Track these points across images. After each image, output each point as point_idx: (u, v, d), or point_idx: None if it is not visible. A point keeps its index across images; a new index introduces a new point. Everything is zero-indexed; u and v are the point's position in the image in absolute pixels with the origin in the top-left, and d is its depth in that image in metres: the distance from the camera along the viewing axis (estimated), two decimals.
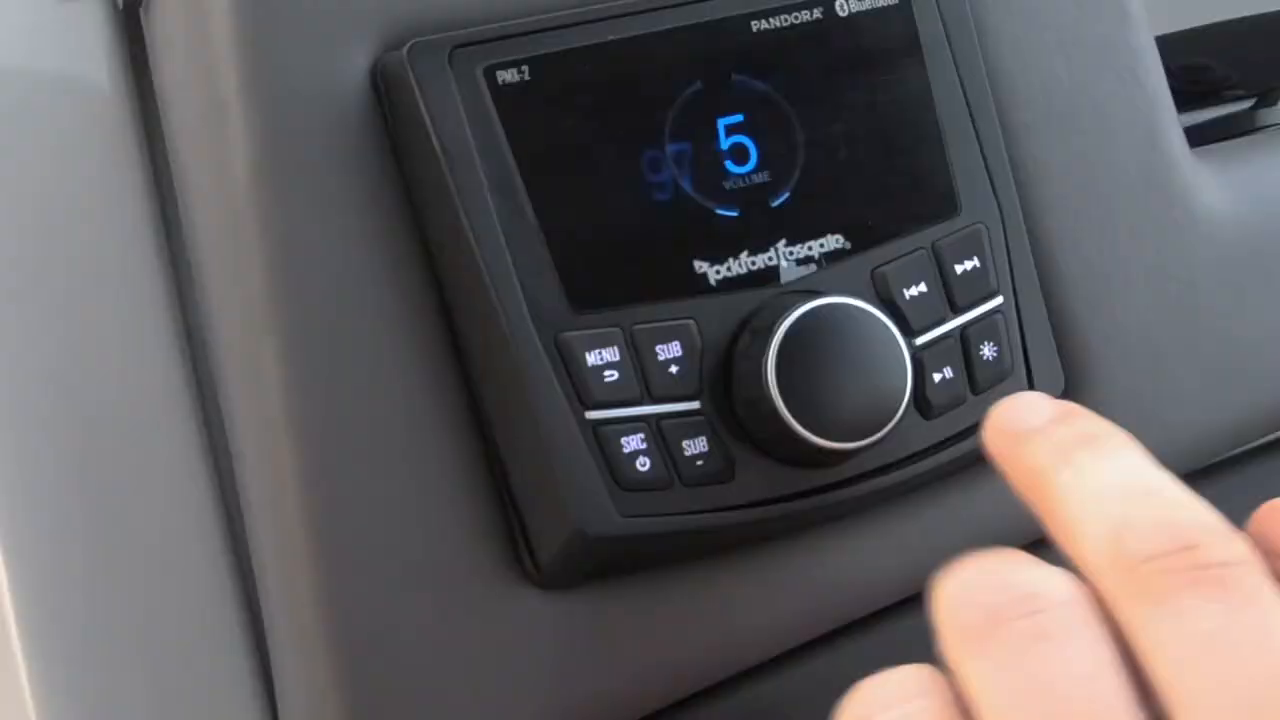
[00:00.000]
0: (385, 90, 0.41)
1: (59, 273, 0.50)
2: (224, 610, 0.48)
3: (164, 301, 0.50)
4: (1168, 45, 0.70)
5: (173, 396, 0.49)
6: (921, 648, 0.46)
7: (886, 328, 0.41)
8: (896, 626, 0.49)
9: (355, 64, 0.41)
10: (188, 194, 0.47)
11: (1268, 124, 0.58)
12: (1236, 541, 0.31)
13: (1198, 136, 0.59)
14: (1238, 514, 0.44)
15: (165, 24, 0.48)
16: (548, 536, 0.42)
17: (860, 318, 0.41)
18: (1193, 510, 0.32)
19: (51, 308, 0.49)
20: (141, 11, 0.51)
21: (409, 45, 0.39)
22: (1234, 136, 0.58)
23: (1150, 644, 0.30)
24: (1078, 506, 0.33)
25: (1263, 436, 0.53)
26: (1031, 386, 0.44)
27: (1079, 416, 0.36)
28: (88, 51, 0.54)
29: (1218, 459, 0.51)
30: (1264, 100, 0.60)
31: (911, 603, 0.48)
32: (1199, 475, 0.49)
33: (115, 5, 0.54)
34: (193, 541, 0.49)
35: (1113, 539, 0.31)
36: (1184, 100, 0.71)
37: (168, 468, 0.49)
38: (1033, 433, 0.35)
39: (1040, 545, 0.38)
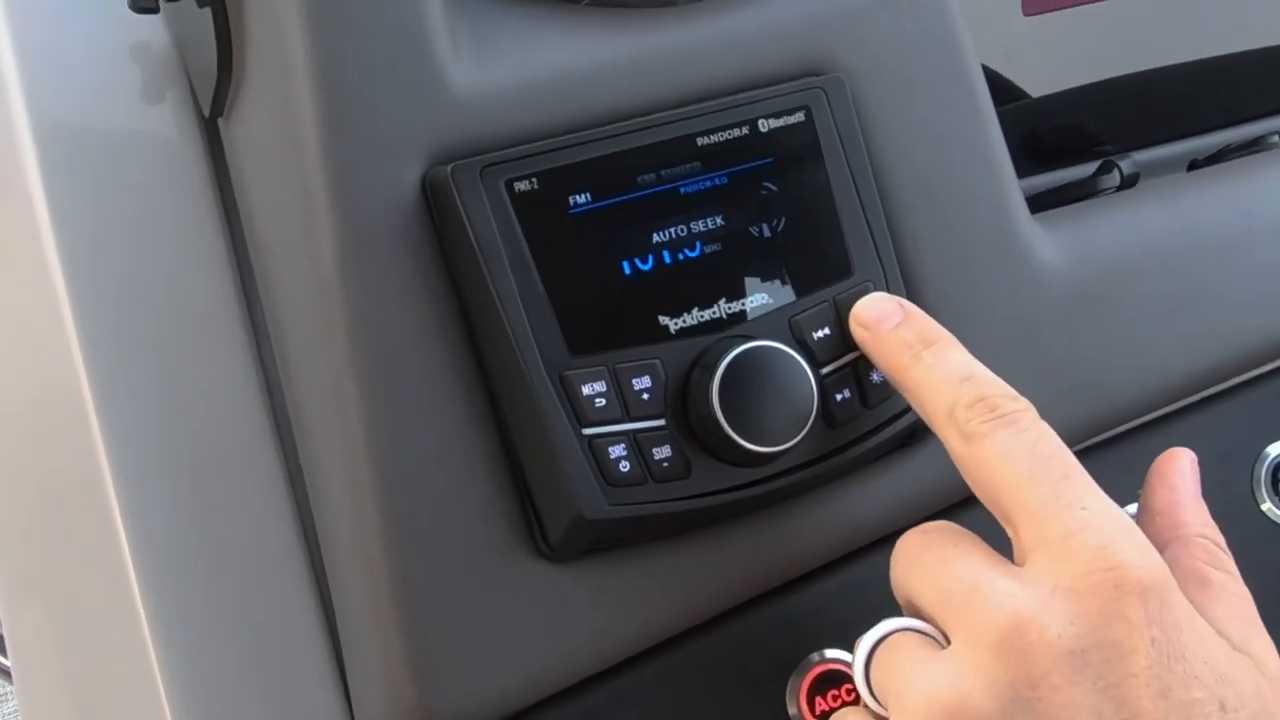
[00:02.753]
0: (433, 197, 0.52)
1: (163, 334, 0.61)
2: (302, 589, 0.60)
3: (248, 355, 0.62)
4: (1049, 105, 0.79)
5: (257, 433, 0.61)
6: (838, 604, 0.58)
7: (799, 362, 0.52)
8: (820, 584, 0.58)
9: (410, 176, 0.52)
10: (271, 272, 0.57)
11: (1102, 189, 0.67)
12: (1020, 400, 0.49)
13: (1050, 198, 0.68)
14: None
15: (247, 134, 0.58)
16: (556, 521, 0.52)
17: (780, 356, 0.52)
18: (993, 385, 0.49)
19: (161, 367, 0.60)
20: (221, 121, 0.61)
21: (451, 166, 0.51)
22: (1078, 199, 0.67)
23: (974, 465, 0.47)
24: (929, 391, 0.50)
25: (1092, 438, 0.62)
26: (908, 405, 0.54)
27: (917, 318, 0.52)
28: (175, 151, 0.64)
29: None
30: (1102, 169, 0.68)
31: (830, 566, 0.58)
32: None
33: (201, 114, 0.64)
34: (276, 537, 0.60)
35: (949, 409, 0.49)
36: (1059, 155, 0.81)
37: (254, 486, 0.60)
38: (887, 333, 0.52)
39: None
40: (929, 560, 0.48)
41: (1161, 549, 0.51)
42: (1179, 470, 0.53)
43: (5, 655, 0.68)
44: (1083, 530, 0.46)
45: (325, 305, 0.53)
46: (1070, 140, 0.81)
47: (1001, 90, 0.77)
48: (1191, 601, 0.47)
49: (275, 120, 0.55)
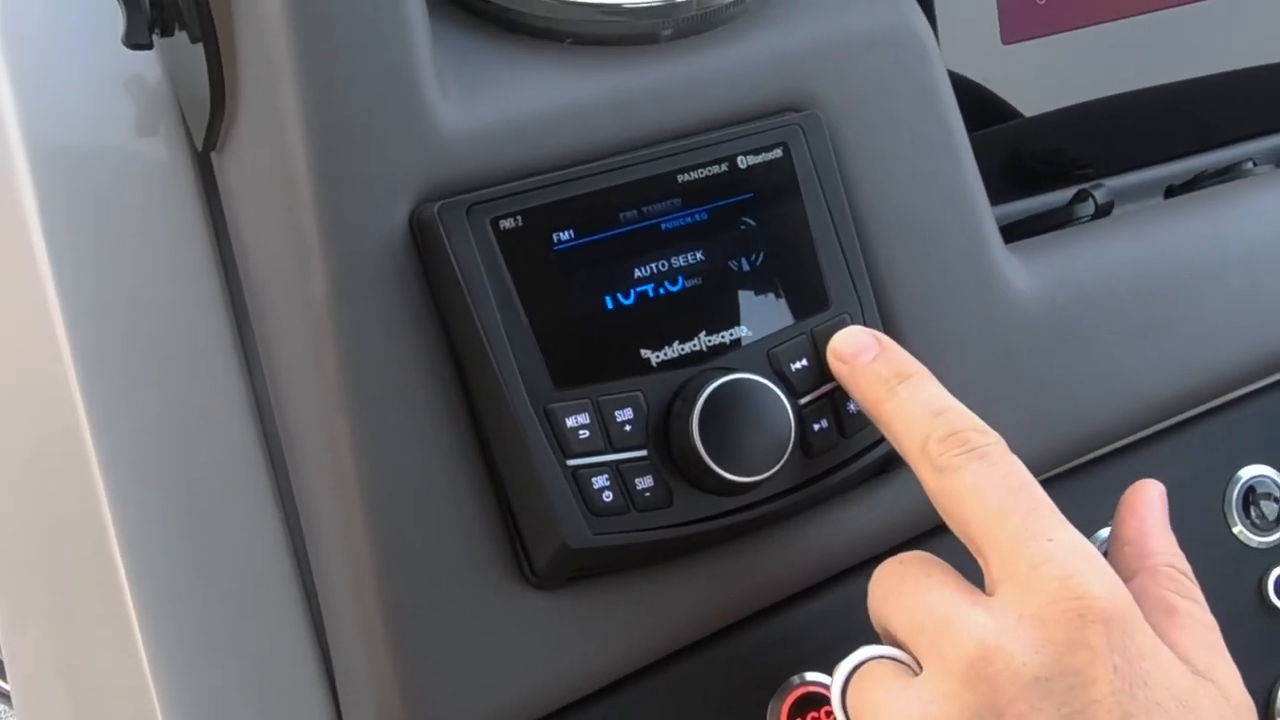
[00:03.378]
0: (420, 235, 0.53)
1: (158, 361, 0.62)
2: (294, 613, 0.61)
3: (241, 382, 0.63)
4: (1030, 128, 0.79)
5: (250, 458, 0.62)
6: (818, 628, 0.60)
7: (777, 394, 0.53)
8: (800, 609, 0.59)
9: (399, 213, 0.53)
10: (263, 303, 0.58)
11: (1077, 217, 0.69)
12: (990, 434, 0.50)
13: (1026, 227, 0.69)
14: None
15: (239, 169, 0.59)
16: (541, 549, 0.53)
17: (758, 388, 0.53)
18: (964, 419, 0.51)
19: (155, 394, 0.61)
20: (214, 155, 0.62)
21: (438, 205, 0.52)
22: (1054, 227, 0.68)
23: (946, 498, 0.49)
24: (903, 425, 0.52)
25: (1066, 464, 0.64)
26: None
27: (892, 352, 0.54)
28: (168, 183, 0.65)
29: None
30: (1078, 198, 0.70)
31: (809, 591, 0.59)
32: None
33: (194, 147, 0.65)
34: (269, 561, 0.61)
35: (922, 442, 0.50)
36: (1041, 179, 0.82)
37: (248, 510, 0.61)
38: (863, 366, 0.54)
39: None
40: (904, 590, 0.50)
41: (1130, 578, 0.52)
42: (1148, 501, 0.55)
43: (5, 679, 0.69)
44: (1048, 562, 0.47)
45: (316, 339, 0.54)
46: (1052, 164, 0.81)
47: (995, 110, 0.78)
48: (1157, 629, 0.49)
49: (267, 157, 0.56)
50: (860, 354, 0.54)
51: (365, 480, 0.54)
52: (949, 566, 0.50)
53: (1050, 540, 0.48)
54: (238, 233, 0.61)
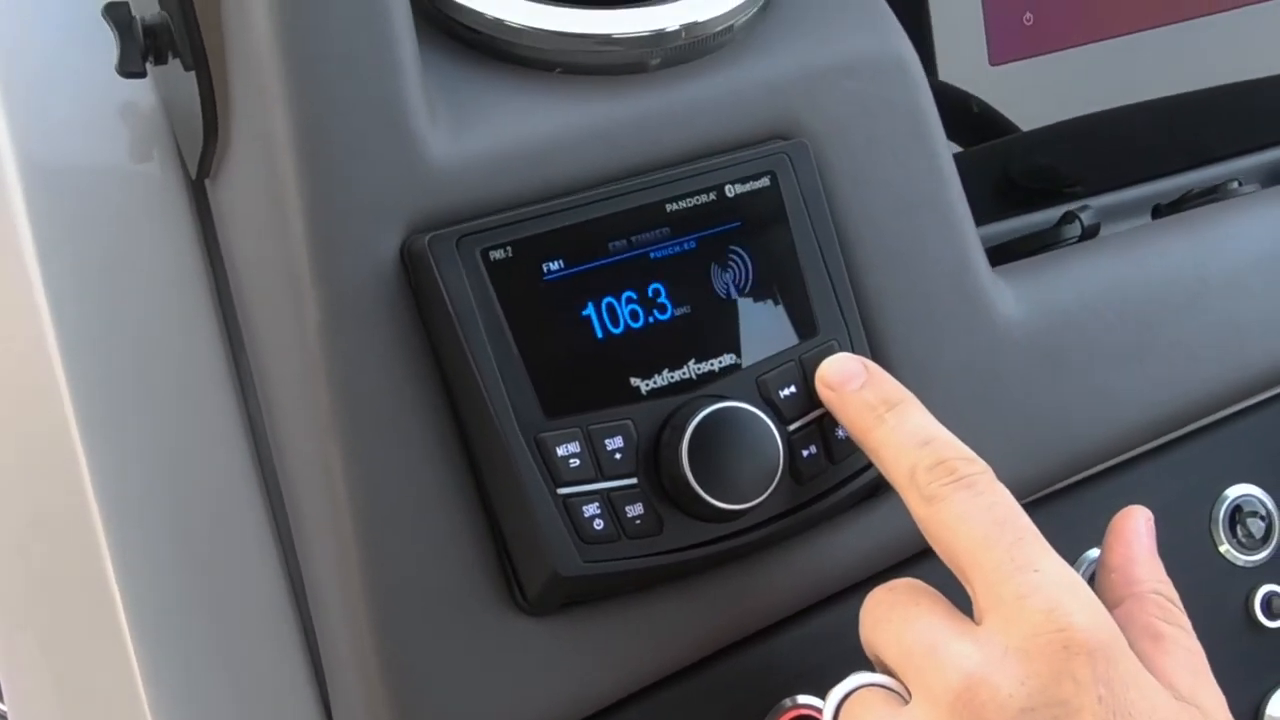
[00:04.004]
0: (411, 265, 0.54)
1: (153, 387, 0.63)
2: (289, 638, 0.62)
3: (235, 409, 0.63)
4: (1019, 145, 0.80)
5: (244, 484, 0.62)
6: (807, 651, 0.60)
7: (765, 421, 0.54)
8: (791, 633, 0.60)
9: (390, 244, 0.54)
10: (256, 331, 0.59)
11: (1064, 239, 0.69)
12: (977, 462, 0.51)
13: (1013, 249, 0.70)
14: None
15: (232, 198, 0.60)
16: (533, 577, 0.54)
17: (747, 416, 0.54)
18: (952, 448, 0.51)
19: (150, 420, 0.62)
20: (207, 182, 0.63)
21: (429, 237, 0.53)
22: (1041, 249, 0.69)
23: (933, 527, 0.49)
24: (891, 453, 0.52)
25: (1054, 485, 0.64)
26: None
27: (880, 380, 0.54)
28: (162, 210, 0.66)
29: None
30: (1064, 220, 0.70)
31: (800, 615, 0.60)
32: None
33: (188, 174, 0.66)
34: (263, 587, 0.62)
35: (910, 471, 0.51)
36: (1030, 197, 0.83)
37: (242, 537, 0.62)
38: (851, 394, 0.54)
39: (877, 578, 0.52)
40: (893, 618, 0.50)
41: (1117, 604, 0.53)
42: (1134, 529, 0.56)
43: (2, 701, 0.70)
44: (1033, 593, 0.47)
45: (309, 368, 0.55)
46: (1041, 182, 0.82)
47: (991, 124, 0.79)
48: (1142, 655, 0.49)
49: (259, 186, 0.56)
50: (848, 381, 0.54)
51: (358, 508, 0.54)
52: (938, 594, 0.51)
53: (1036, 571, 0.48)
54: (231, 259, 0.62)
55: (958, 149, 0.77)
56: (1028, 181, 0.83)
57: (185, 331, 0.65)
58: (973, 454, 0.52)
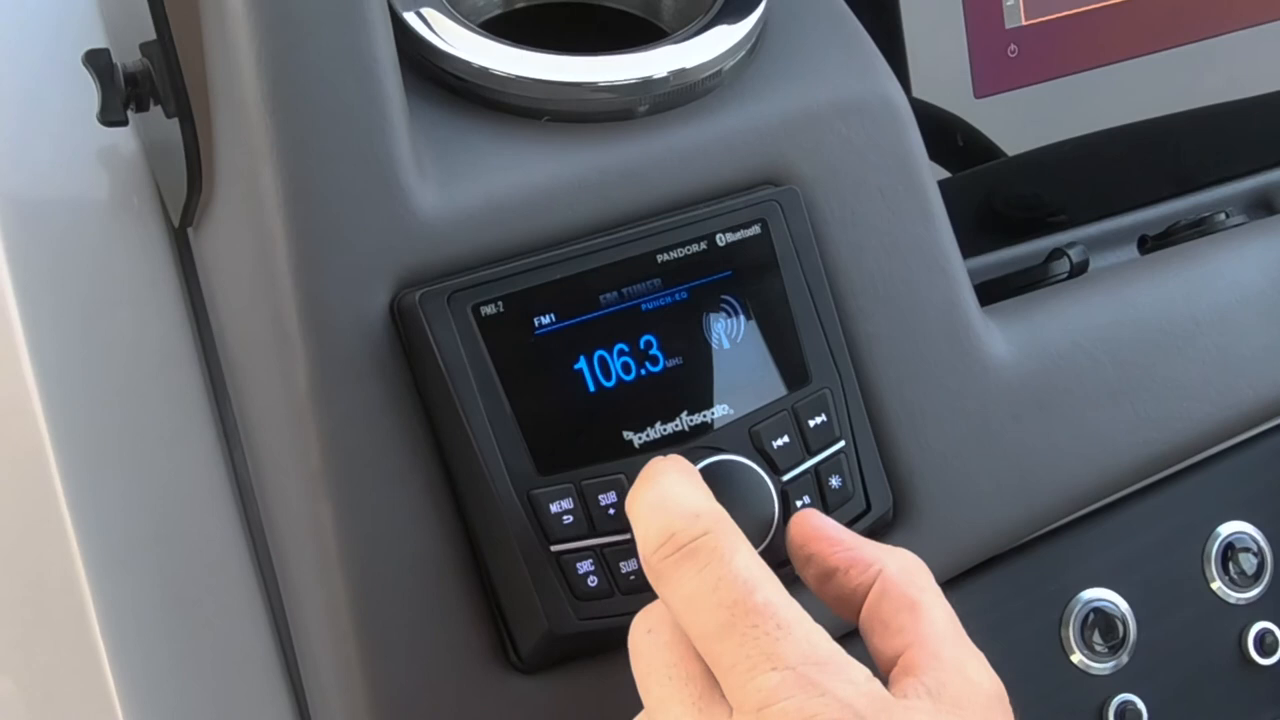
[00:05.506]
0: (402, 322, 0.53)
1: (136, 442, 0.63)
2: (279, 697, 0.61)
3: (221, 463, 0.63)
4: (1005, 170, 0.80)
5: (232, 541, 0.62)
6: None
7: (759, 473, 0.54)
8: None
9: (379, 300, 0.53)
10: (243, 385, 0.58)
11: (1053, 275, 0.69)
12: (700, 520, 0.46)
13: (1003, 286, 0.69)
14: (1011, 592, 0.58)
15: (216, 248, 0.59)
16: (526, 635, 0.54)
17: (740, 469, 0.54)
18: (678, 507, 0.47)
19: (134, 475, 0.62)
20: (190, 230, 0.63)
21: (419, 293, 0.52)
22: (1031, 286, 0.69)
23: (673, 611, 0.46)
24: (634, 525, 0.48)
25: (1045, 527, 0.64)
26: (868, 507, 0.57)
27: (653, 461, 0.50)
28: (144, 258, 0.66)
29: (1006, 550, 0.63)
30: (1052, 256, 0.70)
31: None
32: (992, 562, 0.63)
33: (171, 223, 0.66)
34: (253, 644, 0.62)
35: (640, 545, 0.48)
36: (1015, 227, 0.83)
37: (230, 594, 0.62)
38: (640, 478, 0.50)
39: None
40: (648, 682, 0.47)
41: (863, 596, 0.50)
42: (817, 525, 0.51)
43: None
44: (776, 700, 0.43)
45: (299, 425, 0.54)
46: (1025, 211, 0.82)
47: (981, 149, 0.79)
48: (902, 629, 0.47)
49: (246, 240, 0.56)
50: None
51: (349, 566, 0.54)
52: (694, 658, 0.46)
53: (773, 669, 0.43)
54: (215, 310, 0.62)
55: (944, 173, 0.77)
56: (1012, 210, 0.83)
57: (168, 382, 0.64)
58: (698, 507, 0.47)
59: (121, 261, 0.66)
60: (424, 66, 0.59)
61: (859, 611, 0.50)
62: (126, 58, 0.63)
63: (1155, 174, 0.84)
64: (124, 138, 0.68)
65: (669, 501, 0.47)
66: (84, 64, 0.62)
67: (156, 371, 0.64)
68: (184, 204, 0.62)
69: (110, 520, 0.62)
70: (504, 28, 0.67)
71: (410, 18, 0.59)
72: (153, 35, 0.58)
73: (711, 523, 0.46)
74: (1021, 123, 0.81)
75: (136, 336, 0.65)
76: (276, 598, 0.62)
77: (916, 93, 0.76)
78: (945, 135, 0.79)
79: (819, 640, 0.45)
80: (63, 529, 0.62)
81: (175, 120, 0.60)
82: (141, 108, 0.62)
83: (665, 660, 0.46)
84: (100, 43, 0.66)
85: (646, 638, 0.47)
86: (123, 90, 0.62)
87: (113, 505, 0.62)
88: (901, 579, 0.49)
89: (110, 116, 0.62)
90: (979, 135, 0.80)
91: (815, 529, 0.51)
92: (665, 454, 0.54)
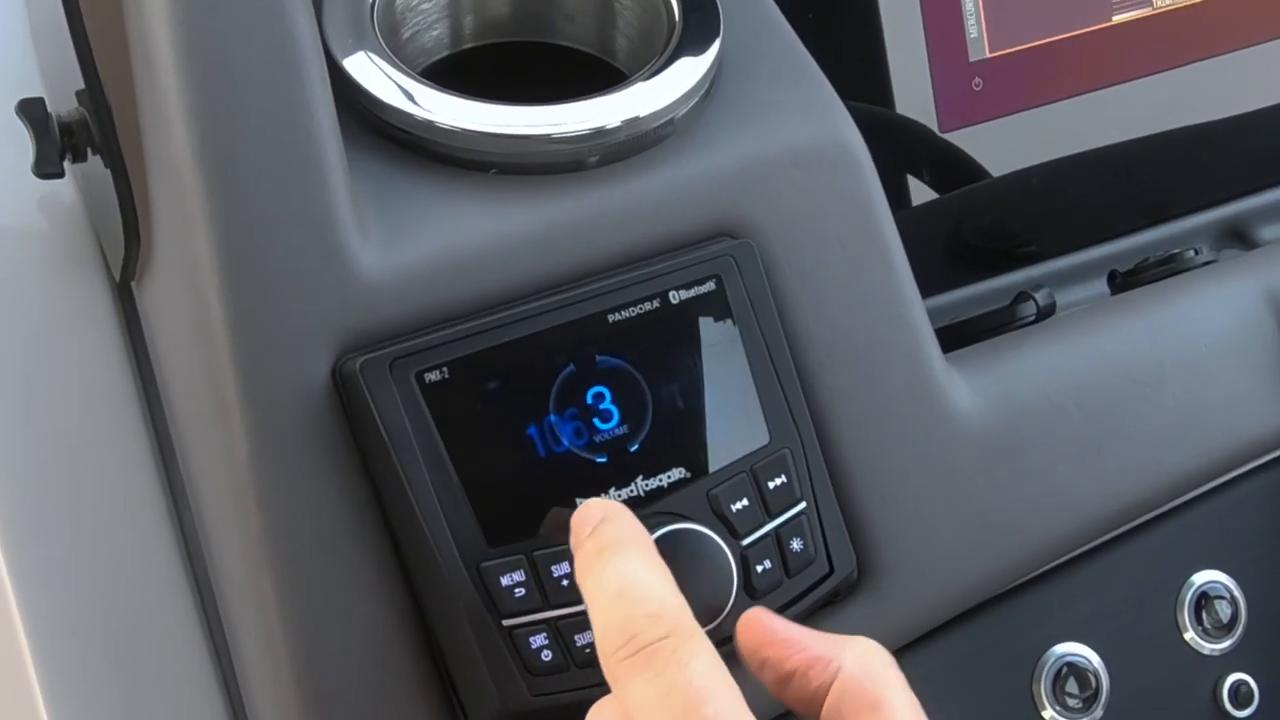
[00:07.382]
0: (344, 389, 0.51)
1: (80, 503, 0.61)
2: None
3: (167, 522, 0.61)
4: (971, 198, 0.79)
5: (180, 602, 0.61)
6: None
7: (717, 542, 0.52)
8: None
9: (321, 366, 0.52)
10: (187, 445, 0.57)
11: (1019, 319, 0.67)
12: (662, 621, 0.43)
13: (968, 330, 0.67)
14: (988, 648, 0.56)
15: (157, 304, 0.58)
16: (479, 712, 0.52)
17: (697, 537, 0.52)
18: (639, 604, 0.44)
19: (79, 537, 0.61)
20: (133, 284, 0.61)
21: (360, 361, 0.51)
22: (997, 329, 0.67)
23: (625, 710, 0.43)
24: (591, 613, 0.45)
25: (1014, 582, 0.62)
26: (831, 569, 0.55)
27: (608, 525, 0.47)
28: (88, 313, 0.64)
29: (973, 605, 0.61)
30: (1019, 298, 0.68)
31: None
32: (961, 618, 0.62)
33: (113, 277, 0.64)
34: (202, 712, 0.60)
35: (599, 641, 0.44)
36: (982, 258, 0.82)
37: (178, 659, 0.60)
38: (581, 543, 0.47)
39: None
40: None
41: (823, 696, 0.48)
42: (768, 627, 0.49)
43: None
44: None
45: (239, 494, 0.53)
46: (993, 241, 0.81)
47: (966, 169, 0.77)
48: None
49: (183, 301, 0.54)
50: (582, 529, 0.48)
51: (293, 640, 0.52)
52: None
53: None
54: (159, 366, 0.60)
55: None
56: (980, 241, 0.81)
57: (111, 438, 0.63)
58: (660, 605, 0.45)
59: (64, 316, 0.64)
60: (367, 118, 0.57)
61: (820, 712, 0.48)
62: (62, 106, 0.61)
63: (1126, 200, 0.83)
64: (64, 188, 0.67)
65: (631, 592, 0.45)
66: (17, 114, 0.61)
67: (99, 429, 0.63)
68: (124, 258, 0.60)
69: (55, 585, 0.61)
70: (452, 69, 0.65)
71: (350, 65, 0.57)
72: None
73: (672, 625, 0.44)
74: (988, 151, 0.80)
75: (79, 392, 0.63)
76: (227, 661, 0.60)
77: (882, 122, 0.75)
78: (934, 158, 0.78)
79: None
80: (4, 598, 0.60)
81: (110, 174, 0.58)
82: (79, 158, 0.61)
83: None
84: (36, 90, 0.64)
85: None
86: (58, 141, 0.60)
87: (55, 570, 0.60)
88: (860, 676, 0.47)
89: (45, 169, 0.61)
90: (968, 159, 0.79)
91: (766, 632, 0.49)
92: None
